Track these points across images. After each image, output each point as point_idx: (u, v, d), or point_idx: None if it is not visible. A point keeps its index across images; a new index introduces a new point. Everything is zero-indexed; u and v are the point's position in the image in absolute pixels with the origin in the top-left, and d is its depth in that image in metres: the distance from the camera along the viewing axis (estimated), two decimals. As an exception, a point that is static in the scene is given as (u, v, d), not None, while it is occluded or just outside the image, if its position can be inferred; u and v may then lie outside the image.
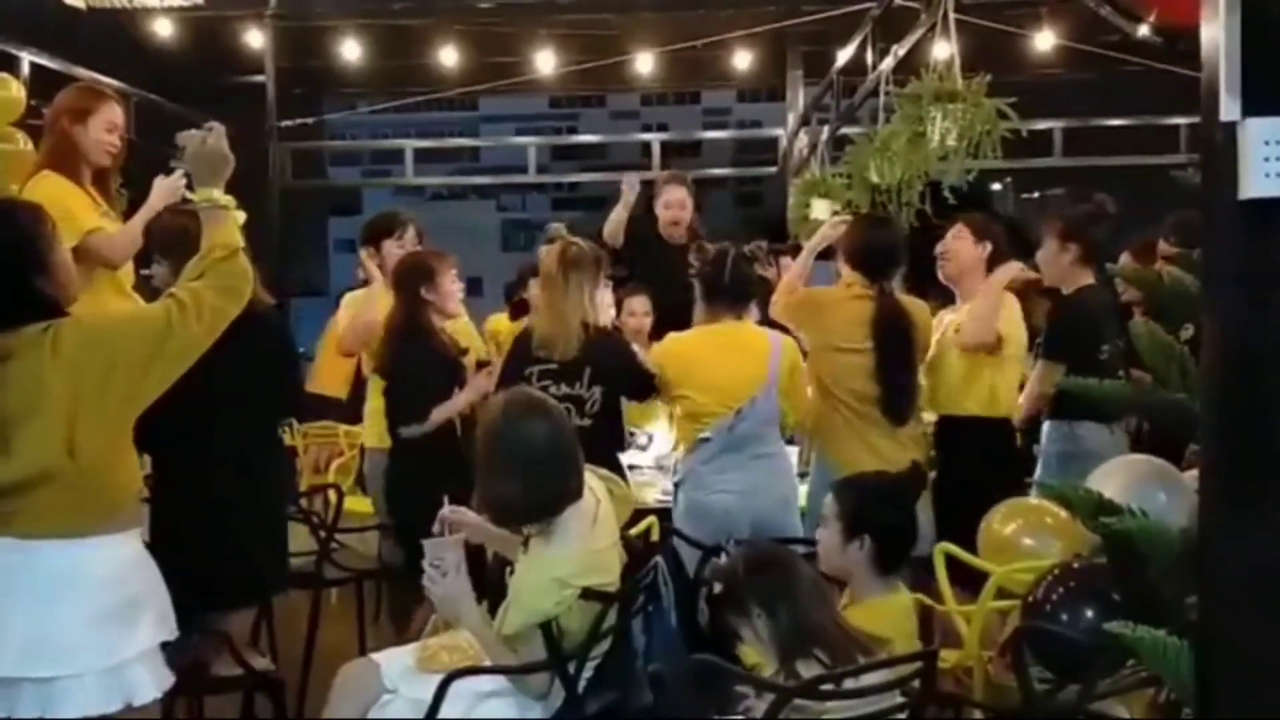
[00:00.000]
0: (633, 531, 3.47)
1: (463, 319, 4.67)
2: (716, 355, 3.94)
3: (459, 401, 4.14)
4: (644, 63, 9.04)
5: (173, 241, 3.25)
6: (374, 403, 4.50)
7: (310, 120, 9.83)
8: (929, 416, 4.32)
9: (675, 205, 5.59)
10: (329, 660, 3.44)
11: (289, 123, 9.32)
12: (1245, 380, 1.93)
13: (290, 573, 3.75)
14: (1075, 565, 2.70)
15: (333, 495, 4.77)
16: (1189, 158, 8.08)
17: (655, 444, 4.96)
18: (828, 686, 2.50)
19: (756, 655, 2.70)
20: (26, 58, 6.46)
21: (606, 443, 3.91)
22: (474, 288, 4.62)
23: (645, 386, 4.08)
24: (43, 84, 5.51)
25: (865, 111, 6.49)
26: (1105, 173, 8.91)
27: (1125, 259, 4.75)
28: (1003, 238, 4.30)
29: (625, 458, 4.29)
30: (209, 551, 3.12)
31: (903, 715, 2.56)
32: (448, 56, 9.06)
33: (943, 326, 4.29)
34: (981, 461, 4.05)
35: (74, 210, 3.70)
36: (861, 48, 6.83)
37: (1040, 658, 2.59)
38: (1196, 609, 2.05)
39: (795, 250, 5.05)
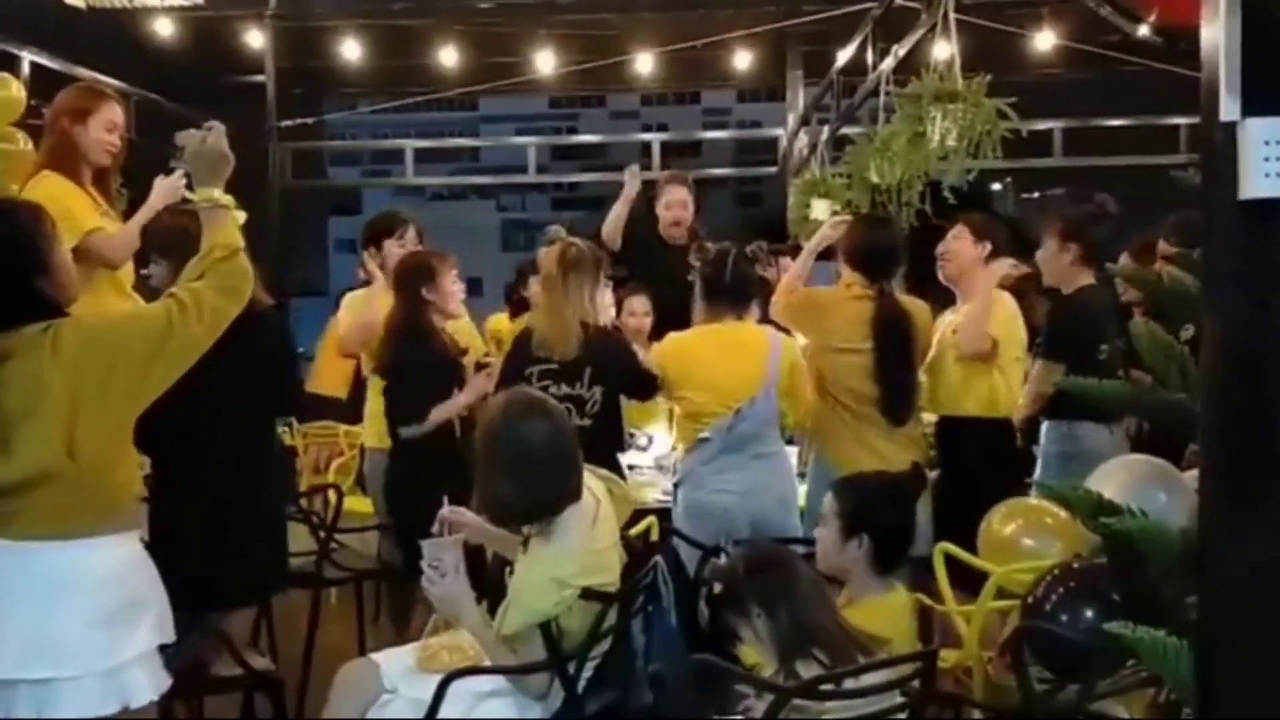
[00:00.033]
0: (632, 531, 3.47)
1: (463, 319, 4.67)
2: (716, 354, 3.94)
3: (458, 402, 4.13)
4: (644, 63, 9.04)
5: (171, 241, 3.25)
6: (374, 403, 4.50)
7: (310, 120, 9.83)
8: (929, 417, 4.32)
9: (677, 205, 5.58)
10: (329, 660, 3.44)
11: (289, 123, 9.32)
12: (1245, 380, 1.93)
13: (290, 572, 3.75)
14: (1075, 565, 2.70)
15: (332, 495, 4.77)
16: (1189, 158, 8.08)
17: (655, 445, 4.96)
18: (827, 687, 2.51)
19: (756, 655, 2.70)
20: (26, 57, 6.46)
21: (606, 443, 3.91)
22: (474, 288, 4.61)
23: (646, 386, 4.08)
24: (43, 84, 5.51)
25: (865, 111, 6.48)
26: (1105, 173, 8.90)
27: (1125, 259, 4.75)
28: (1003, 238, 4.29)
29: (625, 458, 4.30)
30: (209, 551, 3.12)
31: (902, 715, 2.56)
32: (448, 56, 9.06)
33: (943, 327, 4.29)
34: (981, 462, 4.05)
35: (74, 210, 3.70)
36: (861, 48, 6.83)
37: (1040, 658, 2.59)
38: (1196, 609, 2.05)
39: (795, 250, 5.05)
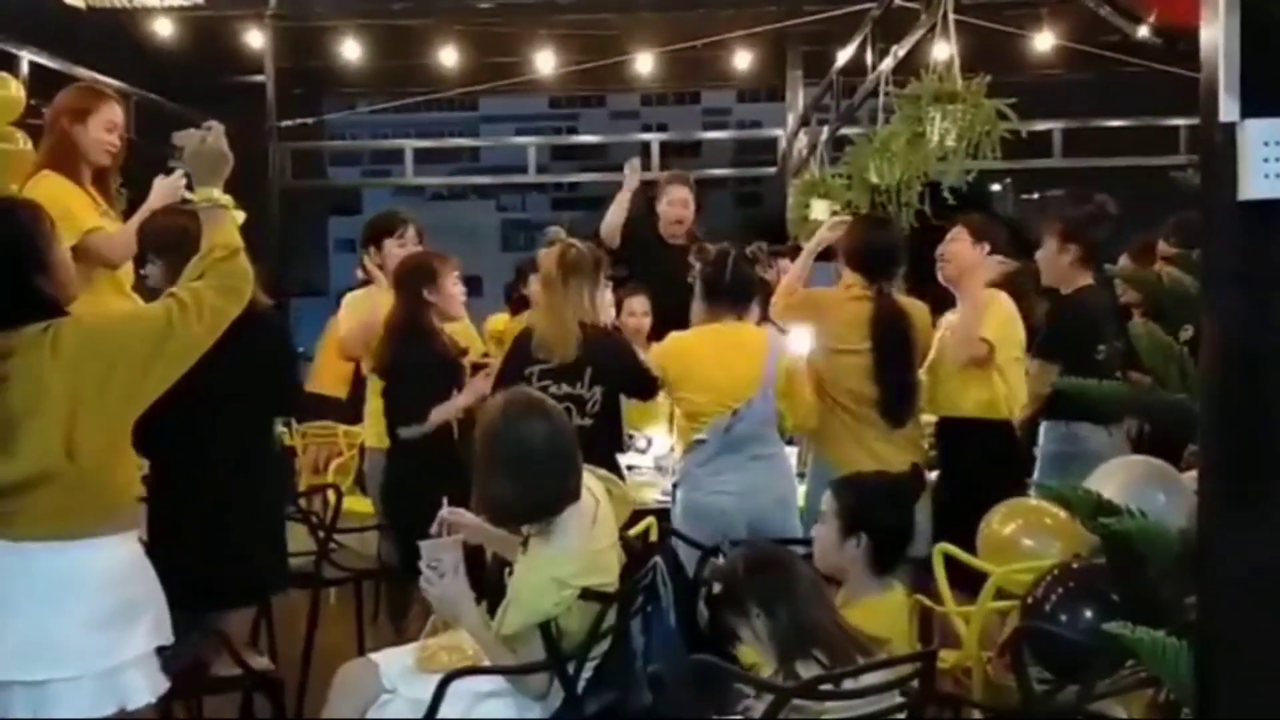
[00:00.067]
0: (632, 532, 3.47)
1: (463, 321, 4.68)
2: (716, 355, 3.94)
3: (457, 403, 4.13)
4: (644, 63, 9.04)
5: (167, 241, 3.24)
6: (374, 403, 4.50)
7: (310, 120, 9.83)
8: (929, 418, 4.32)
9: (679, 204, 5.59)
10: (328, 660, 3.44)
11: (289, 123, 9.33)
12: (1245, 380, 1.93)
13: (289, 573, 3.75)
14: (1074, 566, 2.71)
15: (331, 495, 4.76)
16: (1188, 159, 8.08)
17: (654, 447, 4.96)
18: (827, 687, 2.51)
19: (755, 655, 2.70)
20: (26, 57, 6.46)
21: (606, 443, 3.92)
22: (474, 287, 4.61)
23: (647, 386, 4.08)
24: (43, 84, 5.51)
25: (865, 112, 6.49)
26: (1105, 174, 8.91)
27: (1125, 260, 4.75)
28: (1002, 239, 4.29)
29: (624, 459, 4.30)
30: (208, 551, 3.11)
31: (902, 715, 2.56)
32: (448, 56, 9.06)
33: (943, 328, 4.28)
34: (981, 463, 4.04)
35: (73, 210, 3.70)
36: (861, 48, 6.83)
37: (1039, 658, 2.59)
38: (1196, 609, 2.05)
39: (794, 252, 5.05)
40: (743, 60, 9.50)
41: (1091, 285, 4.22)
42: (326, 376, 6.35)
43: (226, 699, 3.45)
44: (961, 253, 4.22)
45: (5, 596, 2.40)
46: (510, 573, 2.85)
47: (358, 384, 5.53)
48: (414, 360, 4.20)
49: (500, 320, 6.22)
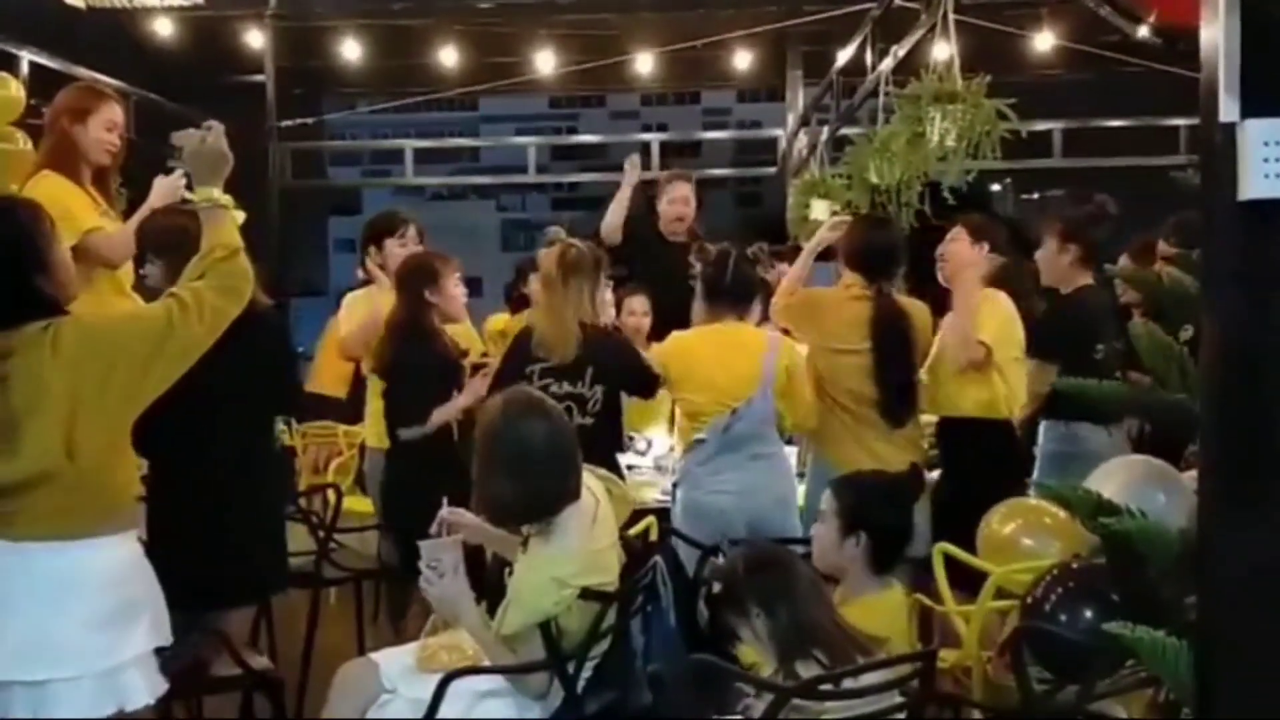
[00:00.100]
0: (632, 531, 3.47)
1: (464, 323, 4.68)
2: (715, 355, 3.95)
3: (457, 404, 4.14)
4: (644, 63, 9.04)
5: (166, 241, 3.24)
6: (375, 403, 4.50)
7: (310, 120, 9.83)
8: (929, 418, 4.32)
9: (680, 201, 5.60)
10: (328, 660, 3.44)
11: (289, 122, 9.33)
12: (1245, 380, 1.93)
13: (289, 572, 3.75)
14: (1074, 565, 2.70)
15: (331, 495, 4.76)
16: (1188, 159, 8.08)
17: (654, 448, 4.96)
18: (827, 686, 2.51)
19: (755, 655, 2.70)
20: (26, 57, 6.46)
21: (607, 442, 3.92)
22: (474, 287, 4.61)
23: (648, 383, 4.08)
24: (43, 83, 5.51)
25: (865, 112, 6.49)
26: (1105, 174, 8.91)
27: (1125, 260, 4.75)
28: (1002, 239, 4.29)
29: (623, 459, 4.30)
30: (208, 551, 3.11)
31: (901, 715, 2.56)
32: (448, 56, 9.06)
33: (943, 328, 4.28)
34: (981, 463, 4.04)
35: (73, 209, 3.70)
36: (861, 48, 6.83)
37: (1039, 658, 2.59)
38: (1196, 609, 2.05)
39: (794, 252, 5.06)
40: (743, 60, 9.50)
41: (1091, 285, 4.22)
42: (326, 376, 6.35)
43: (226, 699, 3.45)
44: (960, 253, 4.22)
45: (5, 596, 2.40)
46: (510, 573, 2.86)
47: (358, 384, 5.53)
48: (415, 361, 4.20)
49: (500, 320, 6.22)
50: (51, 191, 3.66)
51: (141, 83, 8.00)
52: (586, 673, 2.75)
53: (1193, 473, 2.33)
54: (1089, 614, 2.51)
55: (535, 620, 2.68)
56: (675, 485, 4.03)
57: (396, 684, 2.82)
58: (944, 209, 4.41)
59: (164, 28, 8.49)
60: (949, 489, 4.02)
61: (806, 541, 3.32)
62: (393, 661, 2.91)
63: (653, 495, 4.37)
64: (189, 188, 2.78)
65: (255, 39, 9.03)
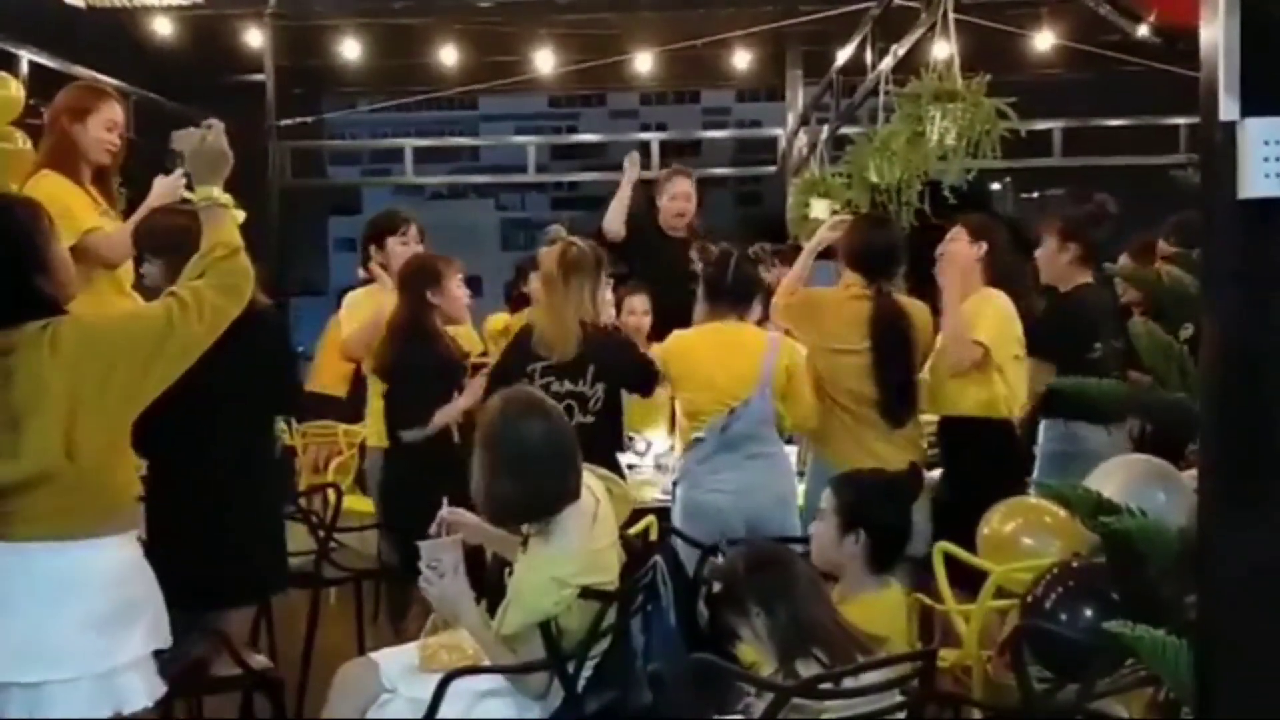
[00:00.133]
0: (632, 531, 3.47)
1: (465, 325, 4.68)
2: (715, 354, 3.95)
3: (458, 406, 4.13)
4: (643, 62, 9.04)
5: (164, 241, 3.24)
6: (376, 402, 4.50)
7: (310, 119, 9.83)
8: (930, 417, 4.32)
9: (681, 197, 5.61)
10: (328, 660, 3.44)
11: (288, 121, 9.32)
12: (1245, 380, 1.93)
13: (289, 572, 3.75)
14: (1074, 564, 2.70)
15: (331, 495, 4.76)
16: (1188, 158, 8.05)
17: (653, 449, 4.97)
18: (827, 685, 2.51)
19: (755, 654, 2.70)
20: (26, 56, 6.45)
21: (608, 440, 3.93)
22: (474, 287, 4.61)
23: (648, 379, 4.08)
24: (42, 83, 5.50)
25: (865, 111, 6.48)
26: (1105, 173, 8.90)
27: (1125, 259, 4.75)
28: (1002, 238, 4.28)
29: (623, 459, 4.30)
30: (208, 551, 3.11)
31: (901, 714, 2.56)
32: (447, 56, 9.06)
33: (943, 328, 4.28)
34: (982, 462, 4.03)
35: (73, 209, 3.70)
36: (861, 47, 6.83)
37: (1039, 657, 2.59)
38: (1196, 608, 2.05)
39: (794, 251, 5.06)
40: (742, 59, 9.49)
41: (1090, 284, 4.22)
42: (326, 376, 6.35)
43: (226, 699, 3.45)
44: (959, 252, 4.21)
45: (4, 597, 2.39)
46: (510, 573, 2.86)
47: (358, 383, 5.53)
48: (416, 362, 4.20)
49: (500, 319, 6.22)
50: (51, 191, 3.66)
51: (141, 82, 7.99)
52: (586, 672, 2.76)
53: (1193, 472, 2.33)
54: (1089, 613, 2.51)
55: (535, 620, 2.68)
56: (675, 484, 4.03)
57: (396, 684, 2.82)
58: (944, 208, 4.41)
59: (164, 27, 8.48)
60: (949, 488, 4.02)
61: (806, 540, 3.32)
62: (393, 661, 2.91)
63: (653, 494, 4.37)
64: (189, 187, 2.77)
65: (255, 38, 9.02)
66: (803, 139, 8.83)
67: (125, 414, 2.52)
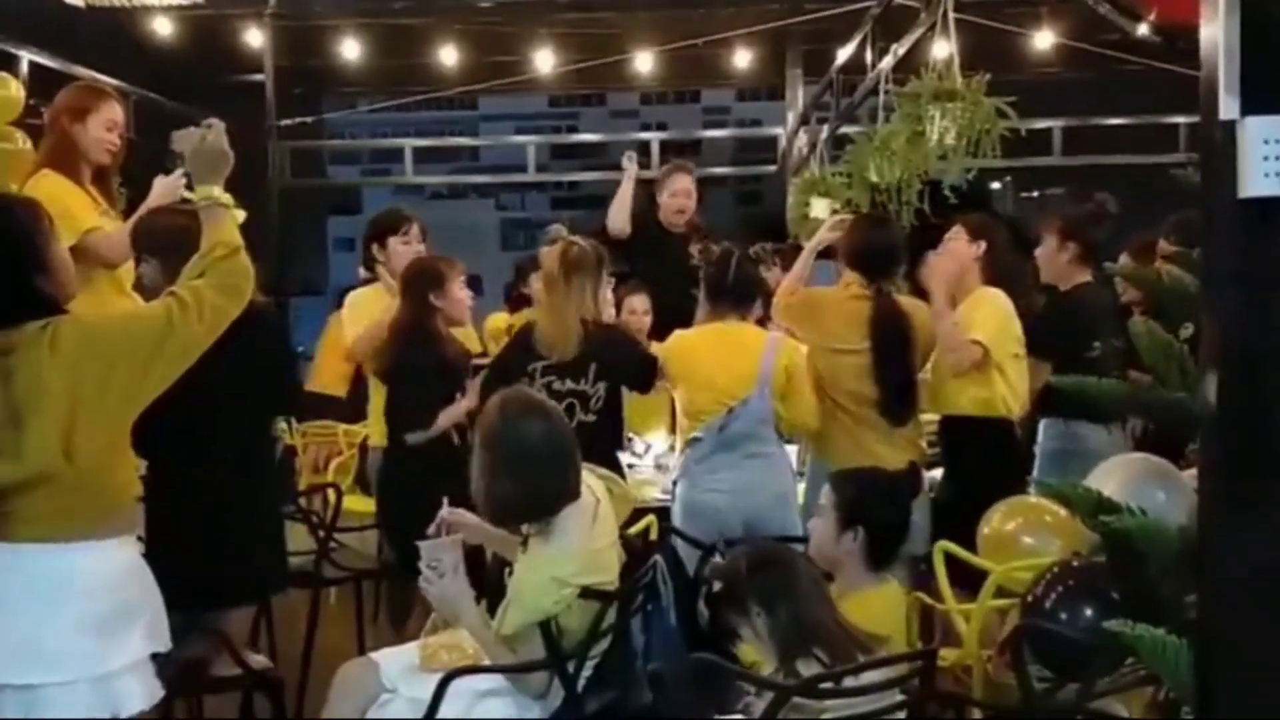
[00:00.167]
0: (632, 530, 3.47)
1: (466, 326, 4.67)
2: (715, 354, 3.95)
3: (461, 407, 4.13)
4: (644, 61, 9.03)
5: (163, 241, 3.23)
6: (377, 401, 4.49)
7: (310, 119, 9.81)
8: (930, 417, 4.32)
9: (682, 194, 5.63)
10: (328, 660, 3.44)
11: (288, 121, 9.31)
12: (1245, 380, 1.93)
13: (289, 572, 3.75)
14: (1074, 564, 2.70)
15: (332, 495, 4.76)
16: (1188, 157, 8.06)
17: (653, 449, 4.97)
18: (827, 685, 2.51)
19: (755, 654, 2.70)
20: (26, 56, 6.45)
21: (609, 439, 3.94)
22: (474, 287, 4.60)
23: (648, 375, 4.09)
24: (42, 83, 5.50)
25: (865, 110, 6.48)
26: (1104, 172, 8.89)
27: (1125, 259, 4.75)
28: (1002, 237, 4.28)
29: (623, 458, 4.30)
30: (208, 551, 3.11)
31: (902, 714, 2.56)
32: (447, 56, 9.06)
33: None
34: (982, 461, 4.03)
35: (73, 209, 3.70)
36: (861, 47, 6.83)
37: (1039, 656, 2.59)
38: (1196, 608, 2.05)
39: (795, 250, 5.06)
40: (742, 59, 9.49)
41: (1090, 283, 4.22)
42: (326, 375, 6.33)
43: (226, 699, 3.45)
44: (958, 251, 4.21)
45: (1, 598, 2.38)
46: (510, 573, 2.86)
47: (358, 383, 5.51)
48: (418, 364, 4.20)
49: (500, 319, 6.22)
50: (51, 191, 3.66)
51: (141, 82, 7.98)
52: (587, 672, 2.76)
53: (1193, 471, 2.33)
54: (1089, 612, 2.51)
55: (535, 619, 2.69)
56: (675, 482, 4.03)
57: (396, 684, 2.82)
58: (944, 207, 4.41)
59: (164, 27, 8.48)
60: (949, 487, 4.02)
61: (806, 540, 3.32)
62: (393, 661, 2.91)
63: (653, 494, 4.38)
64: (189, 187, 2.77)
65: (255, 38, 9.01)
66: (803, 138, 8.82)
67: (125, 414, 2.52)
